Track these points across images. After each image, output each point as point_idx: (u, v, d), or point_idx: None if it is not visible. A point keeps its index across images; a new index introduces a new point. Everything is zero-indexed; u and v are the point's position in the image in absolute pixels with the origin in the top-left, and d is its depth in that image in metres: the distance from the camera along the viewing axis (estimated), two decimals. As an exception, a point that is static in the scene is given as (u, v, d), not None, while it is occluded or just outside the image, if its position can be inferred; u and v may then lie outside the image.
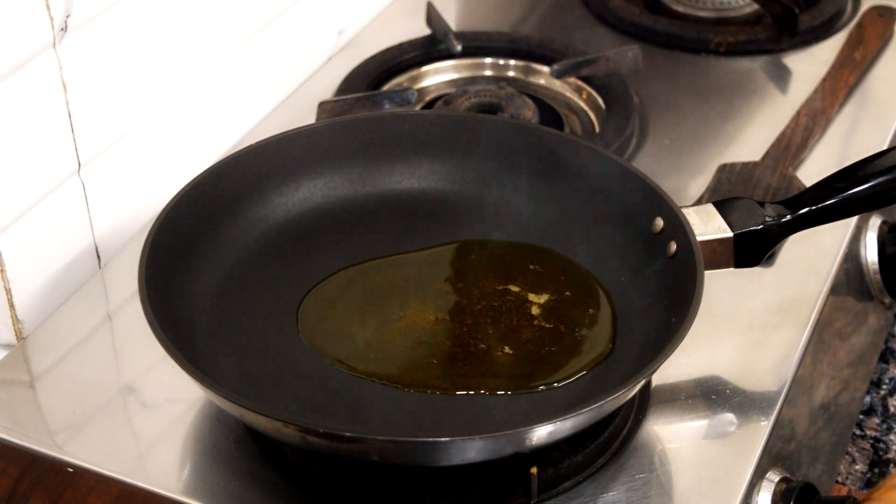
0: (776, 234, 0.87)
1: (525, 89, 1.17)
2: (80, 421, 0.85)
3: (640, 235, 0.90)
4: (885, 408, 1.17)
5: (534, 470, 0.78)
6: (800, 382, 0.91)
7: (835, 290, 0.98)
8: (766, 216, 0.86)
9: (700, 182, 1.06)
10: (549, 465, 0.80)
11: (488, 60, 1.22)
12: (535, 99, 1.15)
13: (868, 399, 1.17)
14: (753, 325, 0.92)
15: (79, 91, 0.93)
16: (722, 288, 0.92)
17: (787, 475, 0.85)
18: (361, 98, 1.12)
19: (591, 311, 0.89)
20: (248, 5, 1.11)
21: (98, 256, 1.00)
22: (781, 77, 1.21)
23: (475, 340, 0.87)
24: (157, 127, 1.03)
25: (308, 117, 1.12)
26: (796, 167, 1.07)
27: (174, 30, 1.02)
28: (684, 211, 0.87)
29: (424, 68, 1.21)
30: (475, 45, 1.22)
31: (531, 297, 0.90)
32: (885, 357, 1.19)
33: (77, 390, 0.87)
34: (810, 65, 1.21)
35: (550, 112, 1.14)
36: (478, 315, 0.89)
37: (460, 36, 1.21)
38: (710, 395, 0.87)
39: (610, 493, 0.80)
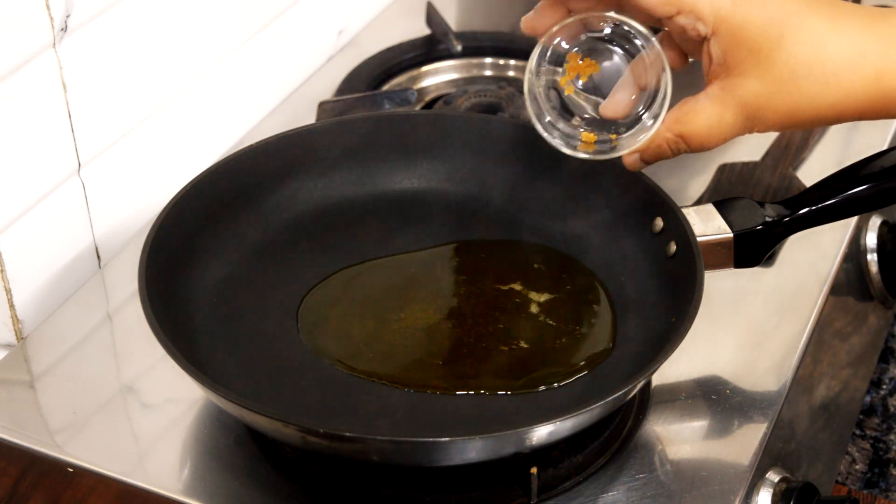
0: (776, 234, 0.87)
1: (525, 89, 1.17)
2: (80, 421, 0.85)
3: (640, 235, 0.90)
4: (885, 408, 1.17)
5: (534, 470, 0.78)
6: (800, 382, 0.91)
7: (835, 290, 0.98)
8: (766, 216, 0.86)
9: (700, 182, 1.06)
10: (549, 465, 0.80)
11: (488, 60, 1.22)
12: (535, 99, 1.15)
13: (868, 399, 1.17)
14: (753, 325, 0.92)
15: (79, 91, 0.93)
16: (722, 288, 0.92)
17: (787, 475, 0.85)
18: (361, 98, 1.12)
19: (591, 310, 0.89)
20: (248, 5, 1.11)
21: (98, 256, 1.00)
22: (781, 77, 1.21)
23: (475, 340, 0.87)
24: (157, 127, 1.03)
25: (308, 117, 1.12)
26: (796, 167, 1.07)
27: (174, 30, 1.02)
28: (684, 211, 0.87)
29: (424, 68, 1.21)
30: (475, 45, 1.22)
31: (531, 296, 0.90)
32: (885, 357, 1.19)
33: (77, 390, 0.87)
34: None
35: (550, 112, 1.14)
36: (478, 315, 0.89)
37: (460, 36, 1.21)
38: (710, 395, 0.87)
39: (610, 493, 0.80)
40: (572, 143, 0.84)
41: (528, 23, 0.82)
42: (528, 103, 0.84)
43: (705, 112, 0.78)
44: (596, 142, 0.85)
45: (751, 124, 0.78)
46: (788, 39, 0.74)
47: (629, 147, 0.83)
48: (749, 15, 0.74)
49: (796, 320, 0.93)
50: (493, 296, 0.90)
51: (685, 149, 0.81)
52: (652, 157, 0.82)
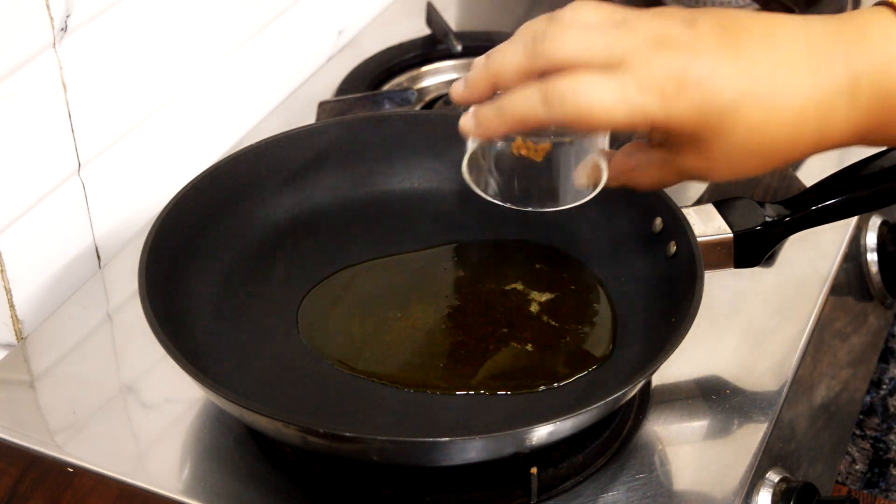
0: (776, 234, 0.87)
1: (525, 89, 1.17)
2: (80, 421, 0.85)
3: (640, 235, 0.90)
4: (885, 408, 1.17)
5: (534, 470, 0.78)
6: (800, 382, 0.91)
7: (835, 290, 0.98)
8: (766, 216, 0.86)
9: (700, 182, 1.06)
10: (549, 465, 0.80)
11: (488, 60, 1.22)
12: (535, 99, 1.14)
13: (868, 399, 1.17)
14: (753, 325, 0.92)
15: (79, 91, 0.93)
16: (722, 288, 0.92)
17: (787, 475, 0.85)
18: (361, 98, 1.12)
19: (591, 310, 0.89)
20: (248, 5, 1.11)
21: (98, 256, 1.00)
22: (781, 77, 1.21)
23: (475, 340, 0.87)
24: (157, 127, 1.03)
25: (308, 117, 1.12)
26: (796, 167, 1.07)
27: (174, 30, 1.02)
28: (684, 211, 0.87)
29: (424, 68, 1.21)
30: (475, 45, 1.22)
31: (532, 295, 0.90)
32: (885, 357, 1.19)
33: (77, 390, 0.87)
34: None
35: (550, 112, 1.14)
36: (478, 314, 0.89)
37: (460, 36, 1.21)
38: (710, 395, 0.87)
39: (610, 493, 0.80)
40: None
41: (460, 95, 0.81)
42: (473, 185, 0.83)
43: (649, 174, 0.79)
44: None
45: (695, 180, 0.81)
46: (727, 132, 0.73)
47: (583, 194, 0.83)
48: (684, 117, 0.73)
49: (796, 320, 0.93)
50: (493, 295, 0.90)
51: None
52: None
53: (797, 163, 1.07)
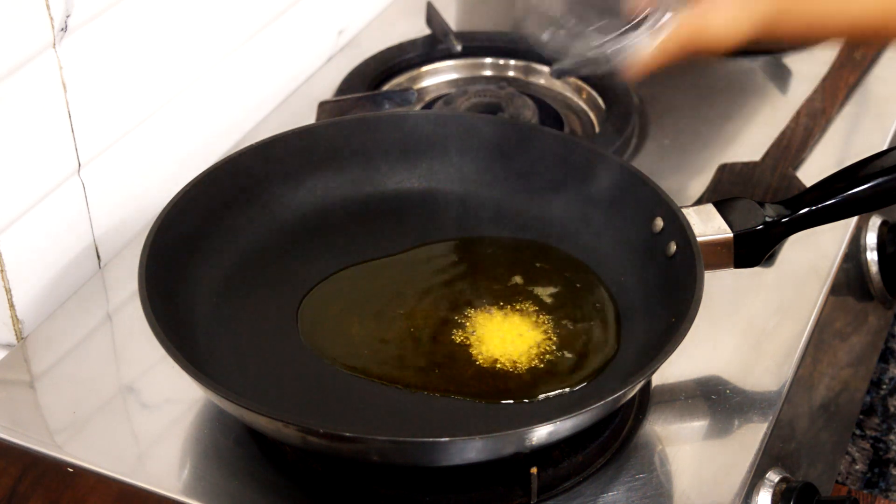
0: (776, 235, 0.87)
1: (525, 89, 1.17)
2: (80, 421, 0.85)
3: (641, 235, 0.90)
4: (885, 408, 1.17)
5: (534, 470, 0.78)
6: (800, 382, 0.91)
7: (835, 290, 0.98)
8: (766, 216, 0.86)
9: (700, 182, 1.06)
10: (549, 465, 0.80)
11: (488, 60, 1.22)
12: (535, 99, 1.15)
13: (868, 399, 1.17)
14: (753, 325, 0.92)
15: (79, 91, 0.93)
16: (722, 288, 0.92)
17: (787, 475, 0.85)
18: (361, 98, 1.12)
19: (592, 310, 0.89)
20: (248, 5, 1.11)
21: (98, 256, 1.00)
22: (781, 77, 1.21)
23: (476, 342, 0.87)
24: (157, 127, 1.03)
25: (308, 117, 1.12)
26: (796, 167, 1.07)
27: (174, 30, 1.02)
28: (684, 211, 0.87)
29: (424, 68, 1.21)
30: (475, 45, 1.22)
31: (536, 291, 0.90)
32: (885, 357, 1.19)
33: (77, 390, 0.87)
34: (810, 65, 1.21)
35: (550, 112, 1.14)
36: (478, 315, 0.89)
37: (460, 36, 1.21)
38: (710, 395, 0.87)
39: (610, 493, 0.80)
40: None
41: None
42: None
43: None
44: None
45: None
46: None
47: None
48: None
49: (796, 320, 0.93)
50: (494, 296, 0.90)
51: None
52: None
53: (797, 163, 1.07)
